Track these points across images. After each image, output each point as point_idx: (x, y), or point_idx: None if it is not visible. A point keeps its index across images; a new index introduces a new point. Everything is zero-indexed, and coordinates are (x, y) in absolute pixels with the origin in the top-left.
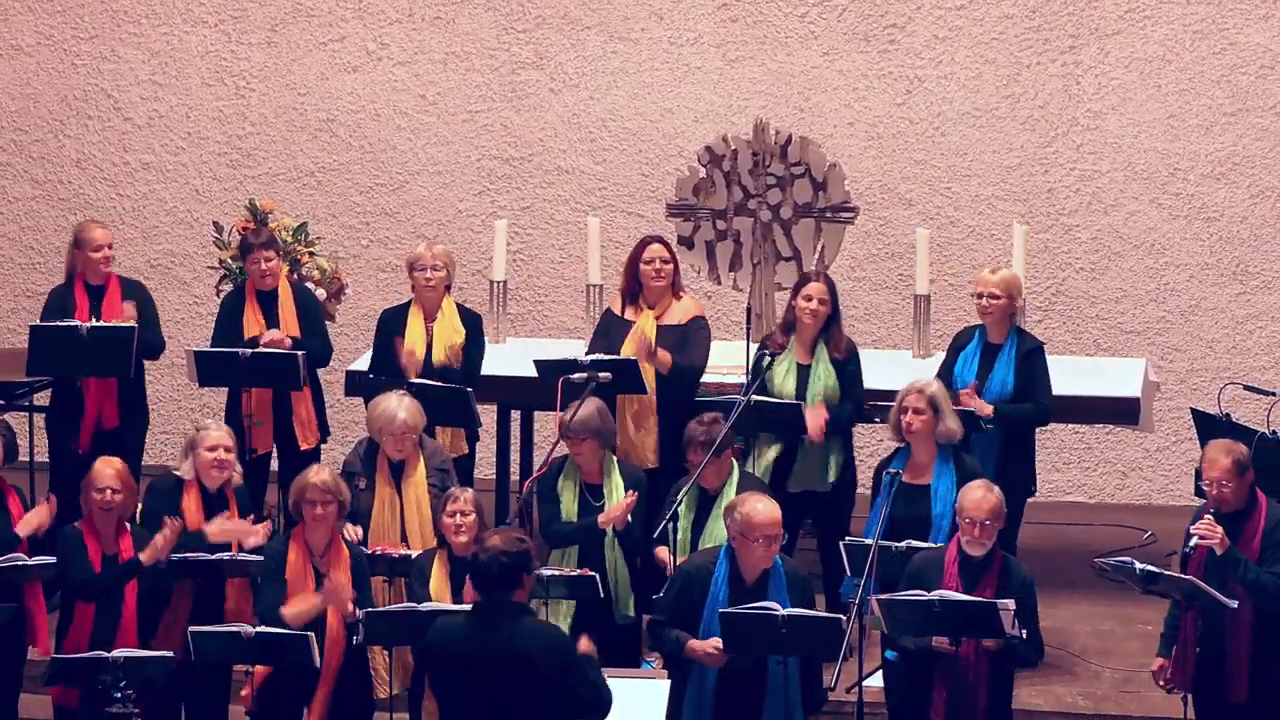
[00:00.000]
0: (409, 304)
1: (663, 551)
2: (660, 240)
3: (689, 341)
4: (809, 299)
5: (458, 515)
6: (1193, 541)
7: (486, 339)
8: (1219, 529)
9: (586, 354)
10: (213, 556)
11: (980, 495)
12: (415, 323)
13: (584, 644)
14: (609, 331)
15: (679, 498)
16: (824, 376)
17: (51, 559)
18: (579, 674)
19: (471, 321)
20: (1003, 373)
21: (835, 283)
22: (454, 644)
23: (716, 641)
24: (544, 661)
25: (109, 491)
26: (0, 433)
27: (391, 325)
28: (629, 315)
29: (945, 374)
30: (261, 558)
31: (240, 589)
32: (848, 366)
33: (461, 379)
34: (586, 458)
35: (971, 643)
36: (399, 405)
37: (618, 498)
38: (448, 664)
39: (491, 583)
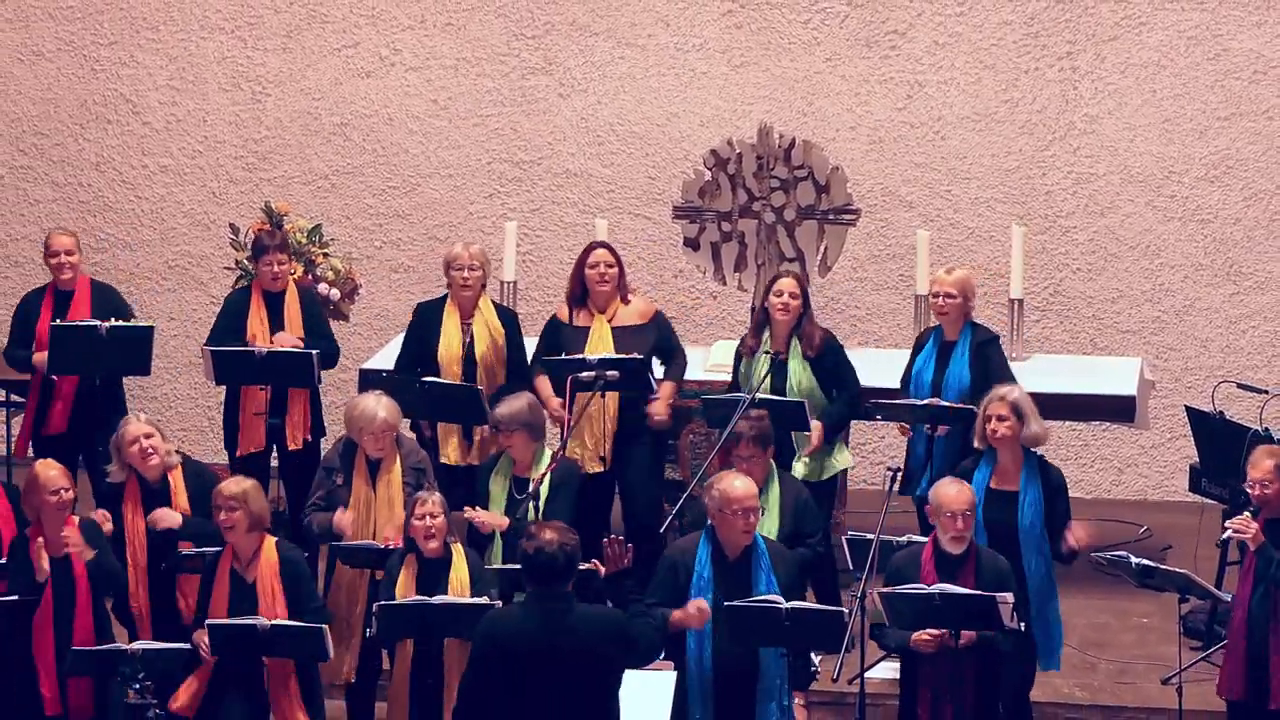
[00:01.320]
0: (444, 299)
1: None
2: (605, 245)
3: (673, 348)
4: (779, 294)
5: (426, 518)
6: (1225, 534)
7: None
8: (1254, 524)
9: (531, 363)
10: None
11: (956, 490)
12: (451, 320)
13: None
14: (557, 340)
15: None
16: (797, 372)
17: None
18: (636, 645)
19: (508, 319)
20: (958, 368)
21: (811, 280)
22: (523, 637)
23: (696, 603)
24: (612, 649)
25: (62, 491)
26: None
27: (428, 320)
28: (579, 321)
29: (906, 374)
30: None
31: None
32: (824, 362)
33: (512, 377)
34: (518, 450)
35: (951, 640)
36: (378, 404)
37: (543, 490)
38: (511, 659)
39: (557, 574)
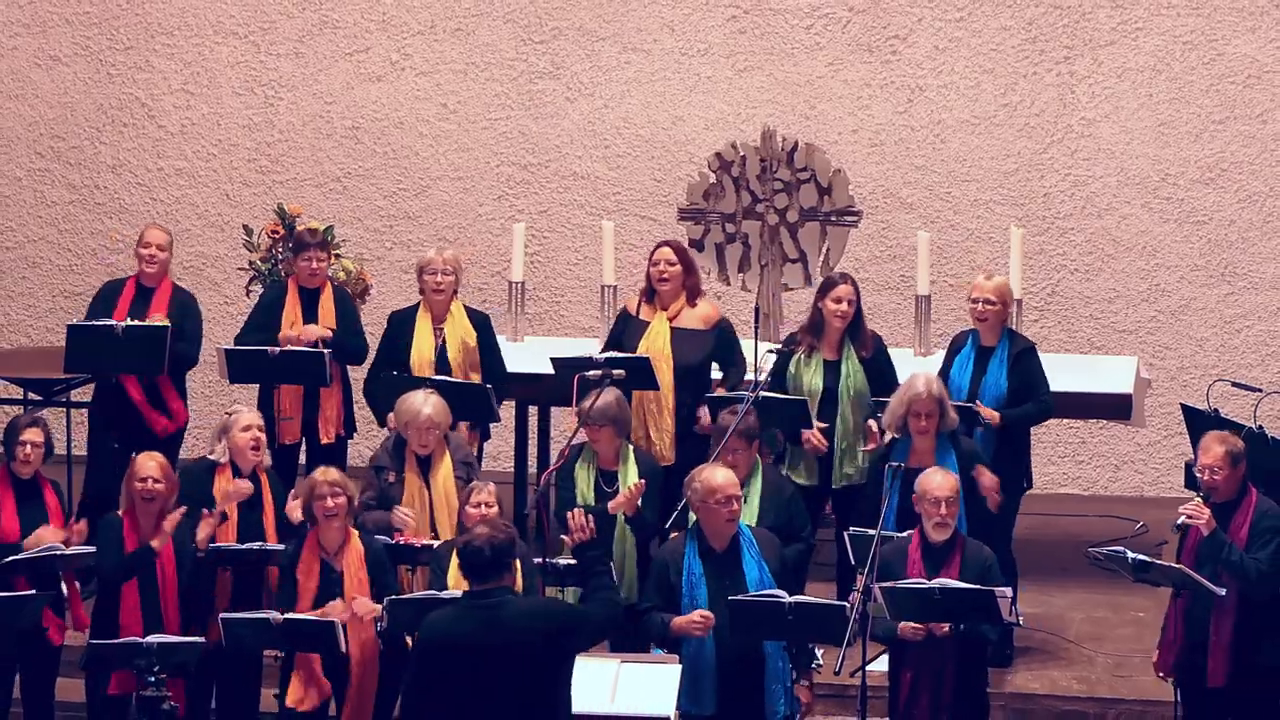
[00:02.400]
0: (417, 306)
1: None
2: (671, 244)
3: (733, 353)
4: (839, 301)
5: (481, 507)
6: (1180, 520)
7: (504, 337)
8: (1206, 510)
9: (601, 350)
10: (243, 547)
11: (940, 478)
12: (424, 324)
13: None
14: (623, 329)
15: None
16: (854, 374)
17: (90, 549)
18: (580, 629)
19: (480, 321)
20: (996, 374)
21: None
22: (455, 634)
23: (700, 612)
24: (546, 640)
25: (150, 481)
26: (40, 429)
27: (400, 326)
28: (644, 315)
29: (942, 378)
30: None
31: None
32: (876, 362)
33: (489, 379)
34: (603, 445)
35: (937, 628)
36: (425, 401)
37: (631, 485)
38: (448, 652)
39: (485, 568)
